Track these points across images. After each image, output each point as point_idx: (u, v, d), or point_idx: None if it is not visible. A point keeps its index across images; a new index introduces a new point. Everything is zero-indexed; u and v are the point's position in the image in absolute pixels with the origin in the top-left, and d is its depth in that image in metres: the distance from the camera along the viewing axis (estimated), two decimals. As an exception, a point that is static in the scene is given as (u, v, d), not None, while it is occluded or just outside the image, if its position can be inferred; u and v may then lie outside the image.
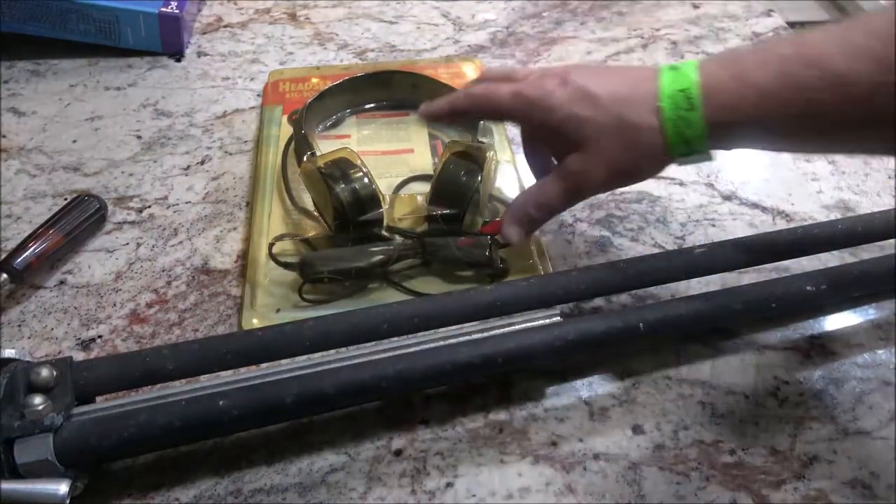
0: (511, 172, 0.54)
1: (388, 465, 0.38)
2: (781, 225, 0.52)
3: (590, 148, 0.41)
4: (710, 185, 0.55)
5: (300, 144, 0.50)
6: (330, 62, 0.67)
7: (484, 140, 0.50)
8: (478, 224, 0.48)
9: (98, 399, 0.38)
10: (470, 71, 0.64)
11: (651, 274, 0.44)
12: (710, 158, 0.40)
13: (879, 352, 0.44)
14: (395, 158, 0.55)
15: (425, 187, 0.50)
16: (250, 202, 0.53)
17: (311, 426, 0.40)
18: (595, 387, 0.42)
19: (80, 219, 0.49)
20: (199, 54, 0.68)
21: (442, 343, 0.39)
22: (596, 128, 0.40)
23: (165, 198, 0.53)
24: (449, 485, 0.38)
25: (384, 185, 0.50)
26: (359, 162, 0.46)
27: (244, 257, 0.49)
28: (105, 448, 0.35)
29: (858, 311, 0.47)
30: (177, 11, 0.66)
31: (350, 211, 0.45)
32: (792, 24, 0.74)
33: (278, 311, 0.45)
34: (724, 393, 0.42)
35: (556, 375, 0.43)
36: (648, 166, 0.42)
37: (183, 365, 0.37)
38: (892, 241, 0.49)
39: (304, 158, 0.48)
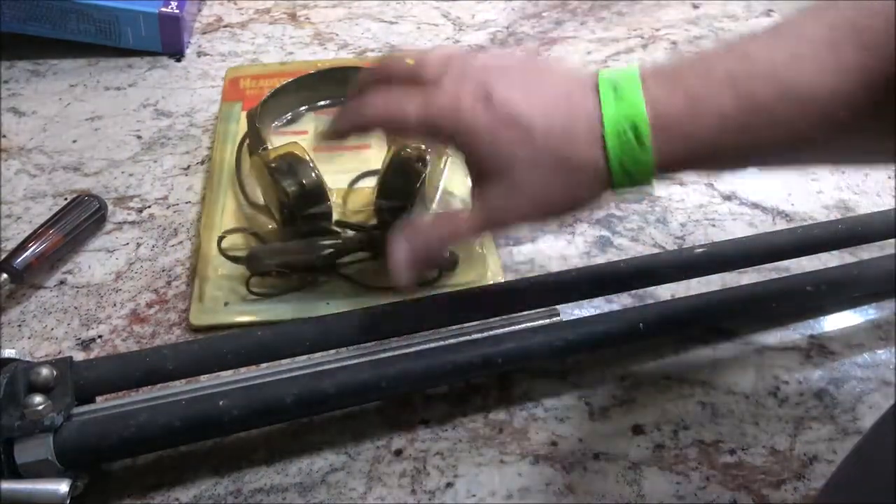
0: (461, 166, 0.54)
1: (388, 465, 0.38)
2: (781, 225, 0.52)
3: (518, 182, 0.35)
4: (711, 185, 0.55)
5: (254, 140, 0.50)
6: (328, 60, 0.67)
7: None
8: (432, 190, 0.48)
9: (98, 399, 0.38)
10: None
11: (651, 274, 0.44)
12: (652, 190, 0.35)
13: (879, 352, 0.44)
14: (352, 154, 0.55)
15: None
16: (203, 197, 0.53)
17: (311, 426, 0.40)
18: (595, 387, 0.42)
19: (81, 218, 0.49)
20: (199, 54, 0.68)
21: (442, 343, 0.39)
22: (527, 162, 0.34)
23: (165, 198, 0.53)
24: (449, 485, 0.38)
25: (341, 181, 0.50)
26: (307, 157, 0.46)
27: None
28: (105, 448, 0.35)
29: (858, 311, 0.47)
30: (177, 11, 0.66)
31: (296, 205, 0.45)
32: (792, 24, 0.74)
33: (227, 304, 0.45)
34: (724, 393, 0.42)
35: (556, 375, 0.43)
36: (585, 203, 0.36)
37: (183, 365, 0.37)
38: (892, 241, 0.49)
39: (256, 153, 0.48)
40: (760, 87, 0.32)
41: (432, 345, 0.39)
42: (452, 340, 0.40)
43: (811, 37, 0.32)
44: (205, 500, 0.37)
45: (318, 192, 0.45)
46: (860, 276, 0.46)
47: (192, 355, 0.37)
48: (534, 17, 0.74)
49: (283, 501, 0.37)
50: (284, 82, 0.56)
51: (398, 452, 0.39)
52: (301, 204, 0.45)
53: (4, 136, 0.58)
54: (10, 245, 0.47)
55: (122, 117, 0.60)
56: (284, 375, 0.38)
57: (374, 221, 0.48)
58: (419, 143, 0.46)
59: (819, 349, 0.45)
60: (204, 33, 0.71)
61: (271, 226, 0.48)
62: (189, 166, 0.56)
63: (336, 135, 0.39)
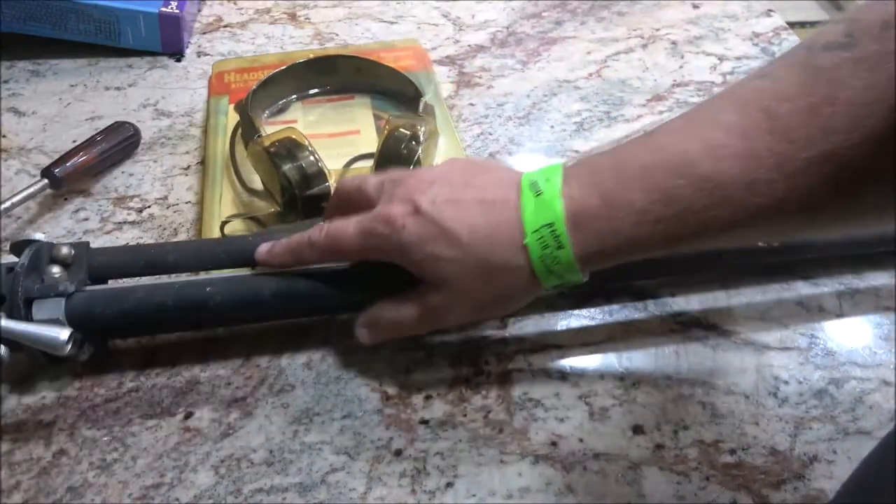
0: (454, 147, 0.55)
1: (388, 465, 0.38)
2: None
3: (451, 287, 0.37)
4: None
5: (247, 129, 0.51)
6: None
7: (425, 116, 0.52)
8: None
9: (109, 282, 0.43)
10: (408, 55, 0.63)
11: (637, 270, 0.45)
12: (581, 280, 0.37)
13: (879, 352, 0.44)
14: (342, 140, 0.56)
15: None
16: (200, 189, 0.53)
17: (311, 426, 0.40)
18: (595, 387, 0.42)
19: (117, 140, 0.55)
20: (199, 54, 0.68)
21: None
22: (456, 269, 0.37)
23: (165, 198, 0.53)
24: (449, 485, 0.38)
25: (333, 166, 0.50)
26: (304, 140, 0.48)
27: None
28: (108, 316, 0.39)
29: (858, 311, 0.47)
30: (177, 11, 0.66)
31: (298, 186, 0.46)
32: (792, 24, 0.74)
33: None
34: (724, 393, 0.42)
35: (557, 375, 0.43)
36: (518, 301, 0.39)
37: (182, 258, 0.42)
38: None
39: (252, 141, 0.49)
40: (672, 179, 0.32)
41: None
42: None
43: (724, 124, 0.32)
44: (205, 500, 0.37)
45: (317, 173, 0.46)
46: (815, 239, 0.47)
47: (190, 252, 0.43)
48: (534, 17, 0.74)
49: (283, 501, 0.37)
50: (272, 72, 0.57)
51: (398, 452, 0.39)
52: (302, 185, 0.46)
53: (4, 136, 0.58)
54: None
55: (122, 117, 0.60)
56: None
57: None
58: (417, 117, 0.49)
59: (819, 349, 0.45)
60: (204, 33, 0.71)
61: (273, 209, 0.49)
62: (189, 166, 0.56)
63: (272, 264, 0.42)
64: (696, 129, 0.33)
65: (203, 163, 0.54)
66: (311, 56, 0.59)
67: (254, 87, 0.55)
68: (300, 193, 0.46)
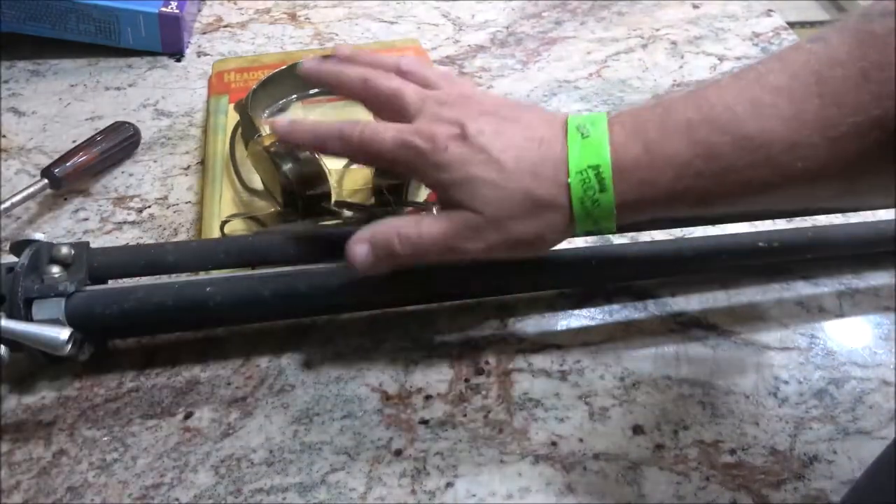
0: None
1: (388, 465, 0.38)
2: (781, 225, 0.52)
3: (487, 213, 0.36)
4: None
5: (246, 128, 0.51)
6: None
7: None
8: (422, 194, 0.49)
9: (109, 282, 0.43)
10: (408, 55, 0.63)
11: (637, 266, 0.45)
12: (613, 229, 0.36)
13: (879, 352, 0.44)
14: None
15: None
16: (200, 189, 0.53)
17: (311, 426, 0.40)
18: (595, 387, 0.42)
19: (116, 140, 0.55)
20: (199, 54, 0.68)
21: None
22: (497, 194, 0.36)
23: (165, 198, 0.53)
24: (449, 485, 0.38)
25: (334, 166, 0.50)
26: None
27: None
28: (107, 316, 0.39)
29: (858, 311, 0.47)
30: (177, 11, 0.66)
31: (297, 186, 0.46)
32: (792, 24, 0.74)
33: None
34: (724, 393, 0.42)
35: (557, 375, 0.43)
36: (548, 240, 0.38)
37: (182, 258, 0.42)
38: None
39: (252, 141, 0.49)
40: (717, 136, 0.33)
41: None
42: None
43: (773, 86, 0.32)
44: (205, 500, 0.37)
45: (317, 174, 0.46)
46: (815, 238, 0.47)
47: (190, 252, 0.42)
48: (534, 17, 0.74)
49: (283, 501, 0.37)
50: (272, 72, 0.56)
51: (398, 452, 0.39)
52: (301, 186, 0.46)
53: (4, 136, 0.58)
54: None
55: (122, 117, 0.60)
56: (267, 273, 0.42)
57: (372, 200, 0.49)
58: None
59: (819, 349, 0.45)
60: (204, 33, 0.71)
61: (273, 209, 0.49)
62: (189, 166, 0.56)
63: (292, 140, 0.41)
64: (744, 88, 0.33)
65: (203, 162, 0.54)
66: (312, 56, 0.59)
67: (254, 86, 0.55)
68: (300, 193, 0.46)
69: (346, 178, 0.51)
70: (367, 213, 0.47)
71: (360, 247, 0.37)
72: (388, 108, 0.39)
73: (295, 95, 0.59)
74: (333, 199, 0.47)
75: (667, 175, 0.34)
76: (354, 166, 0.52)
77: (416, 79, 0.40)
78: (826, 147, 0.31)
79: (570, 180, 0.35)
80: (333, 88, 0.42)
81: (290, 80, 0.58)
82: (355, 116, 0.57)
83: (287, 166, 0.46)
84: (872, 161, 0.31)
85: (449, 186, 0.36)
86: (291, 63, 0.58)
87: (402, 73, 0.41)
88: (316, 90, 0.60)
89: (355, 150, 0.38)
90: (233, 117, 0.55)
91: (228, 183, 0.52)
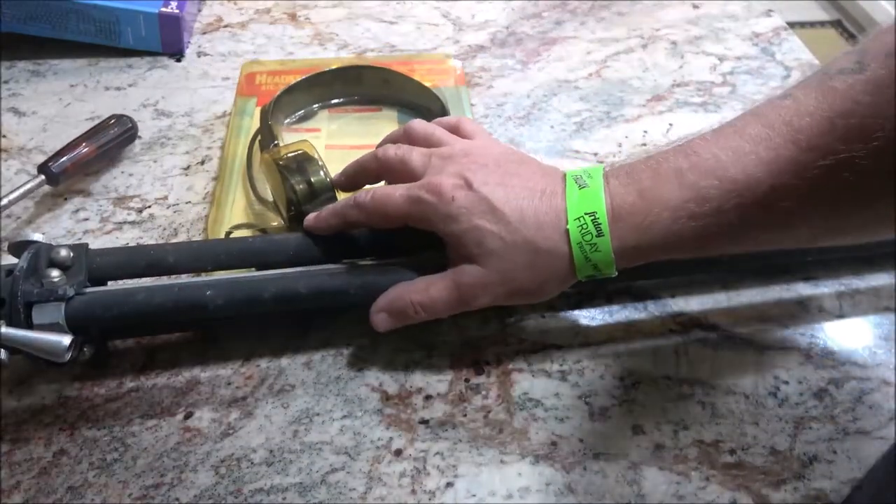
0: None
1: (388, 465, 0.38)
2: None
3: (490, 264, 0.38)
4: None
5: (265, 136, 0.51)
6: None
7: None
8: None
9: (108, 284, 0.42)
10: (440, 69, 0.63)
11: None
12: (613, 274, 0.38)
13: (879, 352, 0.44)
14: (362, 153, 0.55)
15: None
16: (214, 192, 0.53)
17: (311, 425, 0.40)
18: (595, 387, 0.42)
19: (114, 133, 0.55)
20: (199, 54, 0.68)
21: (403, 259, 0.43)
22: (500, 244, 0.38)
23: (165, 198, 0.53)
24: (449, 485, 0.38)
25: None
26: (316, 155, 0.47)
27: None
28: (108, 318, 0.39)
29: (858, 311, 0.47)
30: (177, 11, 0.66)
31: (304, 202, 0.45)
32: (792, 24, 0.74)
33: None
34: (724, 393, 0.42)
35: (557, 375, 0.43)
36: (551, 288, 0.40)
37: (182, 259, 0.42)
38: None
39: (266, 150, 0.49)
40: (705, 180, 0.35)
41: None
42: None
43: (751, 136, 0.35)
44: (205, 500, 0.37)
45: (325, 191, 0.46)
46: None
47: (190, 253, 0.42)
48: (534, 17, 0.74)
49: (283, 501, 0.37)
50: (299, 79, 0.56)
51: (398, 452, 0.39)
52: (308, 202, 0.45)
53: (4, 136, 0.58)
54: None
55: (122, 117, 0.60)
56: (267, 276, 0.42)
57: None
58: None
59: (819, 349, 0.45)
60: (204, 33, 0.71)
61: (278, 223, 0.48)
62: (189, 166, 0.56)
63: (320, 230, 0.43)
64: (727, 138, 0.36)
65: (221, 164, 0.54)
66: (340, 65, 0.59)
67: (279, 92, 0.54)
68: (306, 209, 0.45)
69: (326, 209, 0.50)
70: (372, 234, 0.46)
71: (380, 316, 0.41)
72: (400, 174, 0.42)
73: (318, 104, 0.59)
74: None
75: (662, 218, 0.36)
76: (366, 187, 0.52)
77: (422, 140, 0.44)
78: (804, 188, 0.34)
79: (568, 227, 0.37)
80: (360, 178, 0.46)
81: (317, 88, 0.58)
82: (379, 127, 0.57)
83: (294, 180, 0.45)
84: (847, 200, 0.34)
85: (458, 236, 0.39)
86: (319, 71, 0.58)
87: (409, 139, 0.44)
88: (342, 99, 0.59)
89: (371, 213, 0.41)
90: (258, 121, 0.55)
91: (243, 190, 0.52)
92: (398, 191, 0.40)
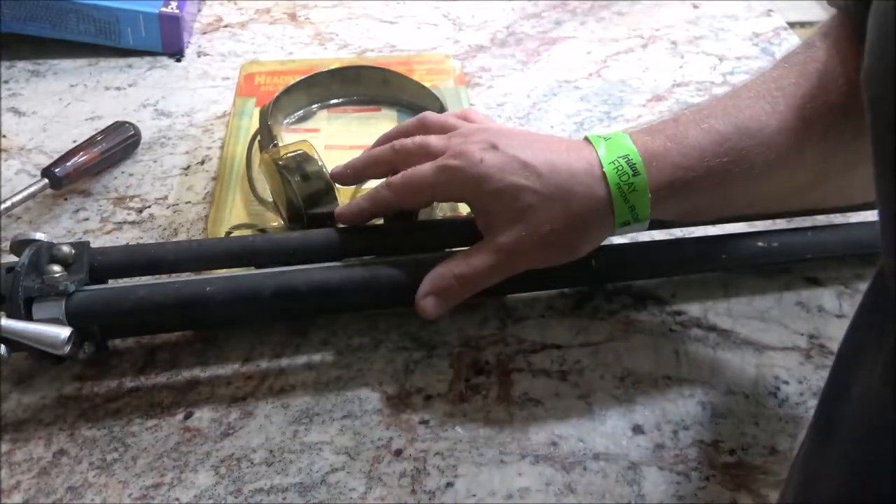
0: None
1: (388, 465, 0.38)
2: (781, 225, 0.52)
3: (528, 219, 0.38)
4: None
5: (264, 136, 0.51)
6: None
7: None
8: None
9: (109, 282, 0.43)
10: (439, 69, 0.63)
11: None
12: (648, 216, 0.39)
13: (879, 352, 0.44)
14: (373, 147, 0.55)
15: None
16: (214, 192, 0.53)
17: (311, 425, 0.40)
18: (595, 387, 0.42)
19: (117, 140, 0.55)
20: (199, 54, 0.68)
21: (403, 258, 0.43)
22: (536, 197, 0.38)
23: (165, 198, 0.53)
24: (449, 485, 0.38)
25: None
26: (315, 155, 0.47)
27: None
28: (108, 315, 0.39)
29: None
30: (177, 11, 0.66)
31: (304, 203, 0.45)
32: (792, 24, 0.74)
33: None
34: (724, 393, 0.42)
35: (557, 375, 0.43)
36: (590, 238, 0.40)
37: (182, 258, 0.42)
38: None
39: (266, 150, 0.49)
40: (722, 125, 0.39)
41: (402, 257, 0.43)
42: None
43: (750, 96, 0.40)
44: (205, 500, 0.37)
45: (325, 191, 0.46)
46: (815, 238, 0.47)
47: (190, 252, 0.42)
48: (534, 17, 0.74)
49: (283, 501, 0.37)
50: (297, 79, 0.56)
51: (398, 452, 0.39)
52: (308, 202, 0.45)
53: (4, 136, 0.58)
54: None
55: (122, 117, 0.60)
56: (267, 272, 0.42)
57: (380, 221, 0.48)
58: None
59: (819, 349, 0.45)
60: (204, 33, 0.71)
61: (277, 223, 0.48)
62: (189, 166, 0.56)
63: (354, 222, 0.43)
64: (731, 98, 0.40)
65: (220, 164, 0.54)
66: (339, 65, 0.59)
67: (278, 92, 0.54)
68: (306, 210, 0.45)
69: (357, 197, 0.50)
70: (373, 234, 0.46)
71: (427, 301, 0.40)
72: (420, 159, 0.42)
73: (318, 104, 0.59)
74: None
75: (691, 157, 0.38)
76: (366, 185, 0.52)
77: (436, 128, 0.44)
78: (802, 128, 0.38)
79: (604, 169, 0.38)
80: (370, 171, 0.46)
81: (316, 88, 0.58)
82: (379, 127, 0.57)
83: (294, 181, 0.45)
84: (833, 137, 0.39)
85: (492, 196, 0.38)
86: (318, 71, 0.58)
87: (423, 128, 0.45)
88: (341, 99, 0.59)
89: (400, 190, 0.41)
90: (257, 122, 0.55)
91: (241, 190, 0.52)
92: (425, 164, 0.40)
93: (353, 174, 0.46)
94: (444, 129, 0.44)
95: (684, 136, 0.39)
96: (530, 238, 0.38)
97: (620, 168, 0.38)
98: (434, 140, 0.42)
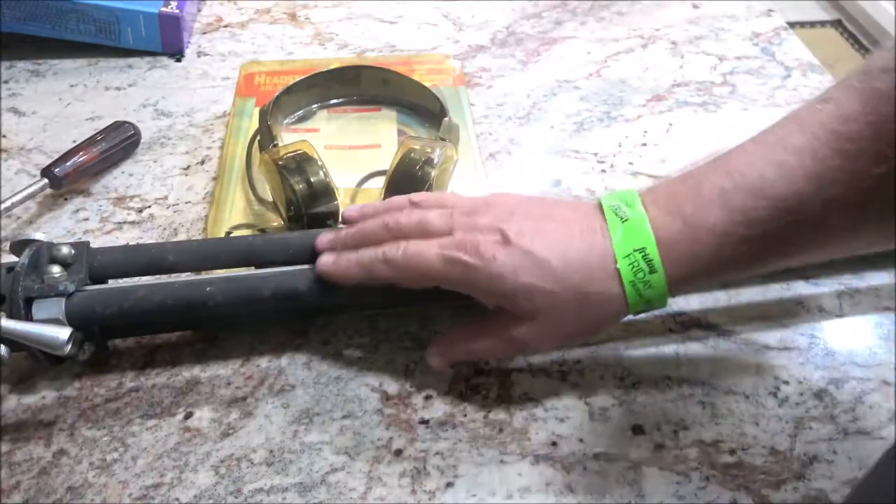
0: (476, 172, 0.53)
1: (388, 465, 0.38)
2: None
3: (543, 318, 0.37)
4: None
5: (264, 136, 0.51)
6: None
7: (447, 137, 0.50)
8: None
9: (109, 282, 0.42)
10: (440, 69, 0.63)
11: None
12: (665, 306, 0.38)
13: (879, 352, 0.44)
14: (361, 153, 0.55)
15: None
16: (213, 192, 0.53)
17: (311, 425, 0.40)
18: (595, 387, 0.42)
19: (116, 140, 0.55)
20: (199, 54, 0.68)
21: None
22: (551, 300, 0.36)
23: (165, 198, 0.53)
24: (449, 485, 0.38)
25: (350, 180, 0.50)
26: (315, 155, 0.47)
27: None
28: (107, 315, 0.39)
29: (858, 311, 0.47)
30: (177, 11, 0.66)
31: (304, 202, 0.45)
32: (792, 24, 0.74)
33: None
34: (724, 393, 0.42)
35: (556, 375, 0.43)
36: (604, 327, 0.41)
37: (182, 258, 0.42)
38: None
39: (266, 150, 0.49)
40: (752, 201, 0.34)
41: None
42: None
43: (794, 147, 0.33)
44: (205, 500, 0.37)
45: (325, 191, 0.46)
46: None
47: (190, 252, 0.42)
48: (534, 17, 0.74)
49: (283, 501, 0.37)
50: (298, 79, 0.56)
51: (398, 452, 0.39)
52: (308, 202, 0.45)
53: (4, 136, 0.58)
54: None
55: (122, 117, 0.60)
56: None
57: None
58: (436, 139, 0.47)
59: (819, 349, 0.45)
60: (204, 33, 0.71)
61: (277, 223, 0.48)
62: (189, 166, 0.56)
63: (341, 280, 0.40)
64: (768, 153, 0.34)
65: (220, 164, 0.54)
66: (339, 65, 0.59)
67: (277, 92, 0.54)
68: (306, 209, 0.45)
69: (358, 198, 0.50)
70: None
71: (434, 359, 0.41)
72: (417, 238, 0.39)
73: (317, 104, 0.59)
74: (342, 217, 0.46)
75: (711, 245, 0.35)
76: (367, 185, 0.52)
77: (432, 205, 0.41)
78: (857, 200, 0.32)
79: (618, 266, 0.36)
80: (361, 241, 0.40)
81: (316, 88, 0.58)
82: (378, 127, 0.57)
83: (294, 180, 0.45)
84: None
85: (505, 297, 0.37)
86: (318, 71, 0.58)
87: (415, 205, 0.41)
88: (341, 99, 0.59)
89: (402, 271, 0.38)
90: (257, 122, 0.55)
91: (242, 190, 0.52)
92: (432, 248, 0.37)
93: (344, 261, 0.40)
94: (441, 204, 0.40)
95: (704, 219, 0.35)
96: (543, 335, 0.38)
97: (636, 265, 0.35)
98: (435, 219, 0.39)
